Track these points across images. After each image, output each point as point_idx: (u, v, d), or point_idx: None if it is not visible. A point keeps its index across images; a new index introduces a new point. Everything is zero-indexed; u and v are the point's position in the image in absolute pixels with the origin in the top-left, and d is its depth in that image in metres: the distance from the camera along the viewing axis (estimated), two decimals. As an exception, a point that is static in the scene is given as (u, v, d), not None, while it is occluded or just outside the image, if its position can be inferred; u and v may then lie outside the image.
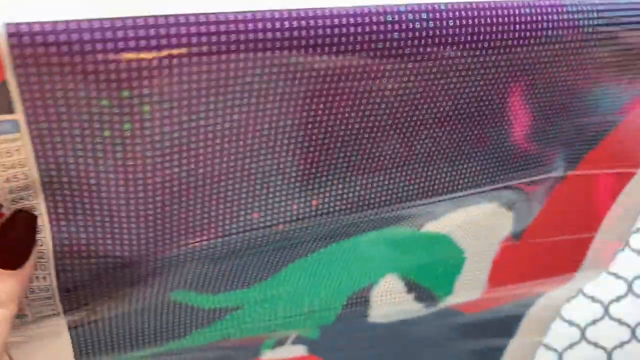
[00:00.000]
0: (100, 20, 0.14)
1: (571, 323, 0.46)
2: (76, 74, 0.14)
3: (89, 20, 0.14)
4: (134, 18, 0.15)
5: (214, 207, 0.20)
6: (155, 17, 0.15)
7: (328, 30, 0.17)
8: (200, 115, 0.17)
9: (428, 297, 0.31)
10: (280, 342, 0.33)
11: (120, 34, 0.15)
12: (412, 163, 0.23)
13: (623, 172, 0.29)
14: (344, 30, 0.17)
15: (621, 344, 0.46)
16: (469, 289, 0.32)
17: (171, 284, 0.24)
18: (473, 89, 0.21)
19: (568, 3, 0.20)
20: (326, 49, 0.17)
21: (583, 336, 0.46)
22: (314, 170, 0.21)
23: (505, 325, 0.38)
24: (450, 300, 0.32)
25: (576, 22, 0.21)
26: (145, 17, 0.15)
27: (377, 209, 0.24)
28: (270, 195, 0.21)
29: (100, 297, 0.23)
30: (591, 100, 0.24)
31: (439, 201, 0.25)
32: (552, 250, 0.33)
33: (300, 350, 0.34)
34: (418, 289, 0.31)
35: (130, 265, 0.21)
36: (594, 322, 0.44)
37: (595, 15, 0.21)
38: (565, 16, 0.20)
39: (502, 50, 0.20)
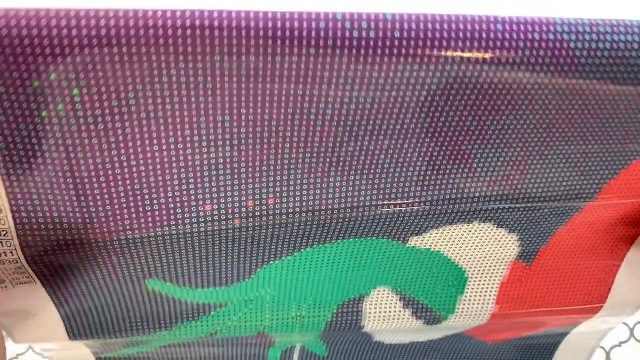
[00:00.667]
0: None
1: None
2: (7, 56, 0.16)
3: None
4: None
5: (162, 195, 0.21)
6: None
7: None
8: (130, 102, 0.17)
9: (427, 314, 0.30)
10: (289, 357, 0.33)
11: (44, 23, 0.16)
12: (373, 169, 0.22)
13: None
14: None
15: (620, 344, 0.44)
16: (474, 310, 0.30)
17: (143, 271, 0.25)
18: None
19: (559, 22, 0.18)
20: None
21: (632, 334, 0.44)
22: (267, 169, 0.21)
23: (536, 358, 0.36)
24: (455, 321, 0.30)
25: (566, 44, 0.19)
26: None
27: (338, 212, 0.23)
28: (222, 189, 0.21)
29: (70, 273, 0.24)
30: (608, 128, 0.22)
31: (405, 210, 0.24)
32: (571, 277, 0.30)
33: None
34: (415, 305, 0.30)
35: (88, 244, 0.22)
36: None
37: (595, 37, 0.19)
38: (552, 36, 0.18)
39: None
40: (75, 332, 0.27)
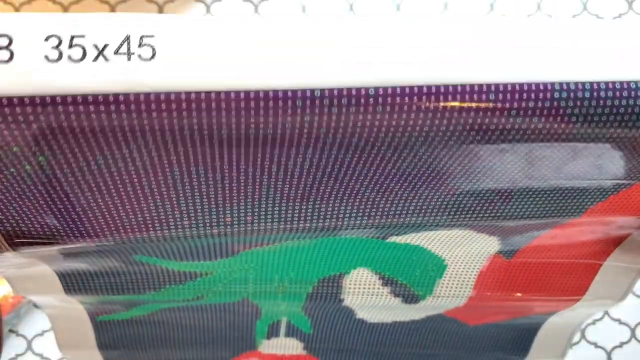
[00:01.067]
0: None
1: (620, 322, 0.45)
2: None
3: None
4: None
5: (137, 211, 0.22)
6: None
7: None
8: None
9: (405, 292, 0.31)
10: (275, 331, 0.35)
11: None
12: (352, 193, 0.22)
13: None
14: None
15: (621, 344, 0.45)
16: (452, 293, 0.31)
17: (128, 252, 0.26)
18: None
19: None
20: None
21: (583, 336, 0.45)
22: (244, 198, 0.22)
23: (517, 343, 0.37)
24: (432, 302, 0.32)
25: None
26: None
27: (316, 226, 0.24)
28: (199, 210, 0.22)
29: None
30: (595, 167, 0.21)
31: (385, 222, 0.24)
32: (551, 272, 0.31)
33: (297, 346, 0.36)
34: (394, 284, 0.31)
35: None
36: (594, 321, 0.43)
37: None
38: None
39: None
40: (70, 288, 0.29)
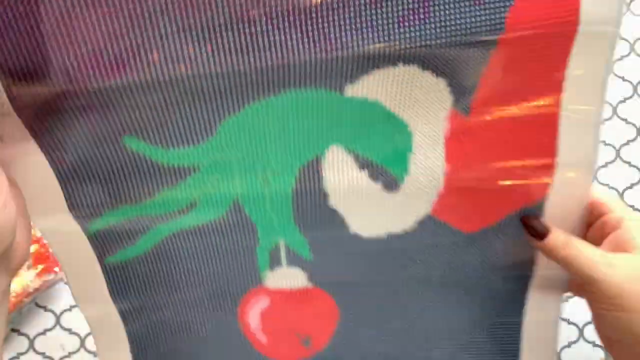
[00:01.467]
0: None
1: (569, 322, 0.45)
2: None
3: None
4: None
5: (114, 46, 0.26)
6: None
7: None
8: None
9: (383, 175, 0.33)
10: (277, 260, 0.36)
11: None
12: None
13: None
14: None
15: None
16: (426, 170, 0.33)
17: (116, 125, 0.29)
18: None
19: None
20: None
21: (581, 335, 0.45)
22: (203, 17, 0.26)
23: (512, 296, 0.37)
24: (412, 184, 0.33)
25: None
26: None
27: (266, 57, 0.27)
28: (163, 37, 0.26)
29: (58, 128, 0.29)
30: None
31: (335, 56, 0.28)
32: (512, 127, 0.32)
33: (301, 277, 0.37)
34: (370, 166, 0.32)
35: (64, 95, 0.27)
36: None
37: None
38: None
39: None
40: (73, 203, 0.32)
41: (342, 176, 0.33)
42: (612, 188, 0.44)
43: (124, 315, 0.37)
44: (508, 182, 0.33)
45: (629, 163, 0.44)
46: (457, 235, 0.35)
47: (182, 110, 0.29)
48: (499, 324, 0.38)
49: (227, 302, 0.38)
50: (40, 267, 0.43)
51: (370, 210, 0.34)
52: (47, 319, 0.44)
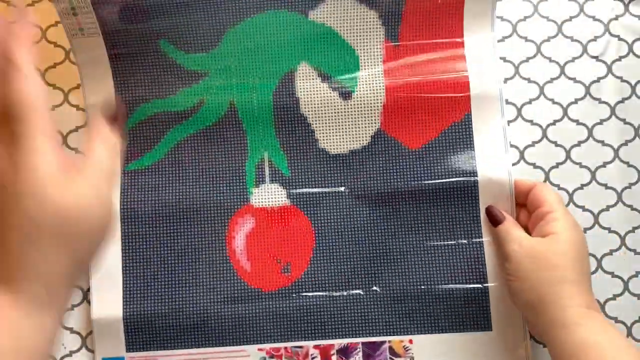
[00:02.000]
0: None
1: (613, 275, 0.46)
2: None
3: None
4: None
5: None
6: None
7: None
8: None
9: (339, 86, 0.44)
10: (261, 176, 0.44)
11: None
12: None
13: None
14: None
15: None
16: (371, 86, 0.44)
17: (156, 31, 0.43)
18: None
19: None
20: None
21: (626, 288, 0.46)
22: None
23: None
24: (360, 94, 0.43)
25: None
26: None
27: None
28: None
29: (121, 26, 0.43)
30: None
31: None
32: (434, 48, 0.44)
33: (281, 193, 0.44)
34: (329, 79, 0.44)
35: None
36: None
37: None
38: None
39: None
40: (118, 85, 0.44)
41: (309, 85, 0.43)
42: (584, 167, 0.46)
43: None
44: (435, 95, 0.43)
45: (602, 142, 0.46)
46: (405, 151, 0.44)
47: (198, 16, 0.42)
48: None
49: (217, 224, 0.44)
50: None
51: (332, 119, 0.44)
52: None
